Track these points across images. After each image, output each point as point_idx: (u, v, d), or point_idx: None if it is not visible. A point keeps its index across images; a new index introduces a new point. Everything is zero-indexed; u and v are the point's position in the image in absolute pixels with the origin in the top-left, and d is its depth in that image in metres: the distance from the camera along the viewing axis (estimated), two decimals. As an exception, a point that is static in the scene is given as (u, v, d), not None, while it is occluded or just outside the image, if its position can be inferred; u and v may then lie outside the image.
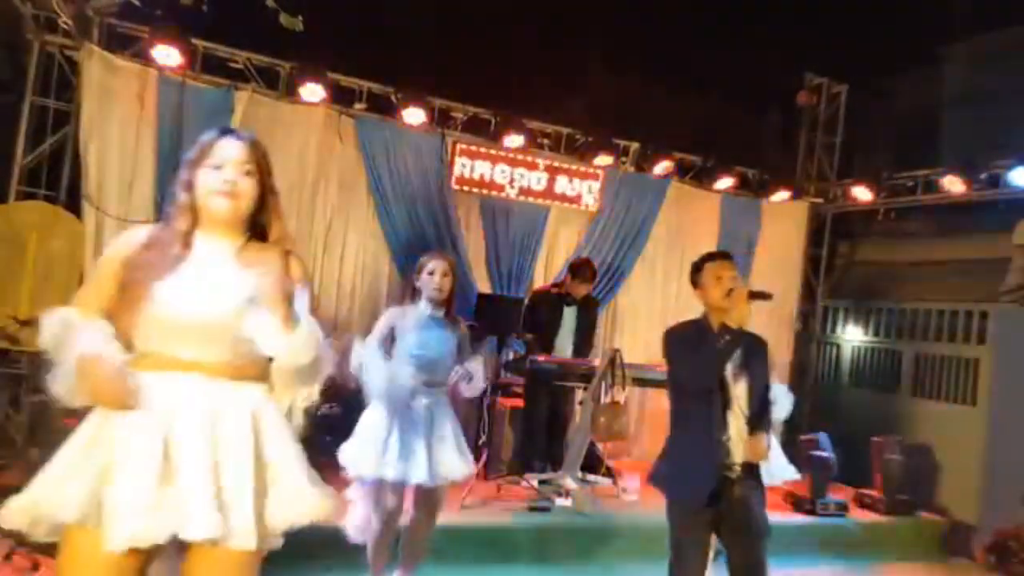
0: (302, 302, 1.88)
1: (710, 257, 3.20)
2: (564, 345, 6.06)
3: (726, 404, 3.00)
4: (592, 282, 6.13)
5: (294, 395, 1.99)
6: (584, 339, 6.15)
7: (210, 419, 1.82)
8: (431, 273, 3.56)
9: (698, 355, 2.98)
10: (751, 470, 3.06)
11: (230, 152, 1.93)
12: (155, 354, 1.85)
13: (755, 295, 3.02)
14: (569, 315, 6.09)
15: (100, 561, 1.73)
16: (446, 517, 3.88)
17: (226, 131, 1.99)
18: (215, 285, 1.88)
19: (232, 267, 1.92)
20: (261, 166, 1.97)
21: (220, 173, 1.91)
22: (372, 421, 3.54)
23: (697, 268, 3.17)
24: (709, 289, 3.07)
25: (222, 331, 1.85)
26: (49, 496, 1.75)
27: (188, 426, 1.80)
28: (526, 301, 6.35)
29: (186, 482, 1.76)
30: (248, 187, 1.94)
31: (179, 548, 1.83)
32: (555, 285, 6.35)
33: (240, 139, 1.96)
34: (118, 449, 1.77)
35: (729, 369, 3.00)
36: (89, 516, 1.73)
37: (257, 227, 2.01)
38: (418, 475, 3.43)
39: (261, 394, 1.93)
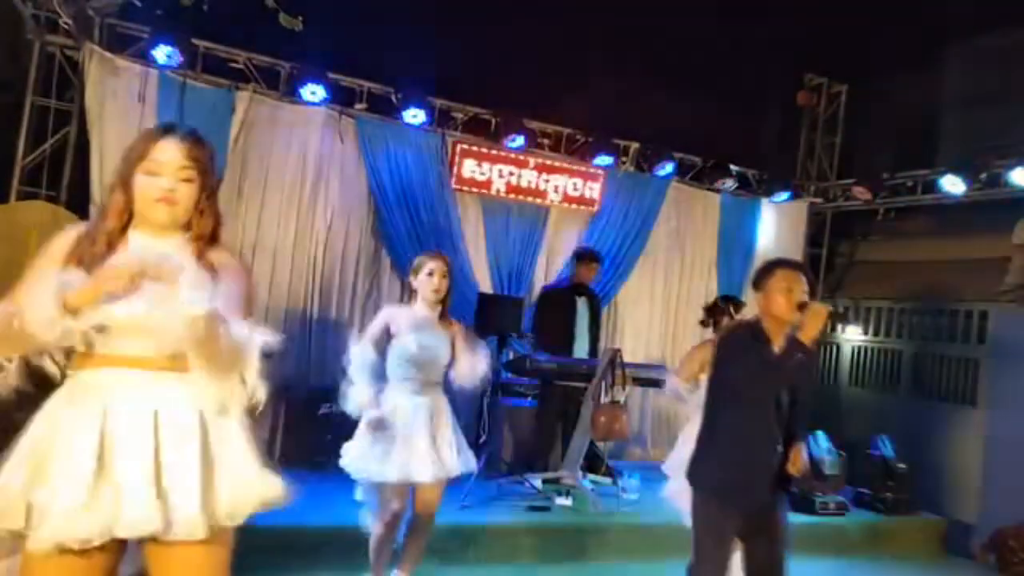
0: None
1: (783, 264, 3.07)
2: (582, 340, 6.08)
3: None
4: (598, 263, 6.26)
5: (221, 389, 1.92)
6: (596, 333, 6.21)
7: (152, 413, 1.81)
8: (430, 274, 3.54)
9: (764, 366, 2.88)
10: (779, 475, 3.04)
11: (168, 157, 1.89)
12: (94, 351, 1.84)
13: (834, 315, 2.93)
14: (583, 306, 6.13)
15: (55, 563, 1.72)
16: (446, 517, 3.88)
17: (167, 130, 1.94)
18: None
19: None
20: (201, 168, 1.93)
21: (157, 180, 1.88)
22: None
23: (767, 271, 3.03)
24: (775, 296, 2.93)
25: (163, 327, 1.81)
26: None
27: (128, 422, 1.79)
28: (536, 301, 6.35)
29: (122, 479, 1.75)
30: (186, 193, 1.91)
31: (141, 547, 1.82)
32: (561, 282, 6.40)
33: (181, 141, 1.91)
34: (54, 449, 1.76)
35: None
36: (23, 520, 1.72)
37: (191, 225, 1.97)
38: (421, 475, 3.43)
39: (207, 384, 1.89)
